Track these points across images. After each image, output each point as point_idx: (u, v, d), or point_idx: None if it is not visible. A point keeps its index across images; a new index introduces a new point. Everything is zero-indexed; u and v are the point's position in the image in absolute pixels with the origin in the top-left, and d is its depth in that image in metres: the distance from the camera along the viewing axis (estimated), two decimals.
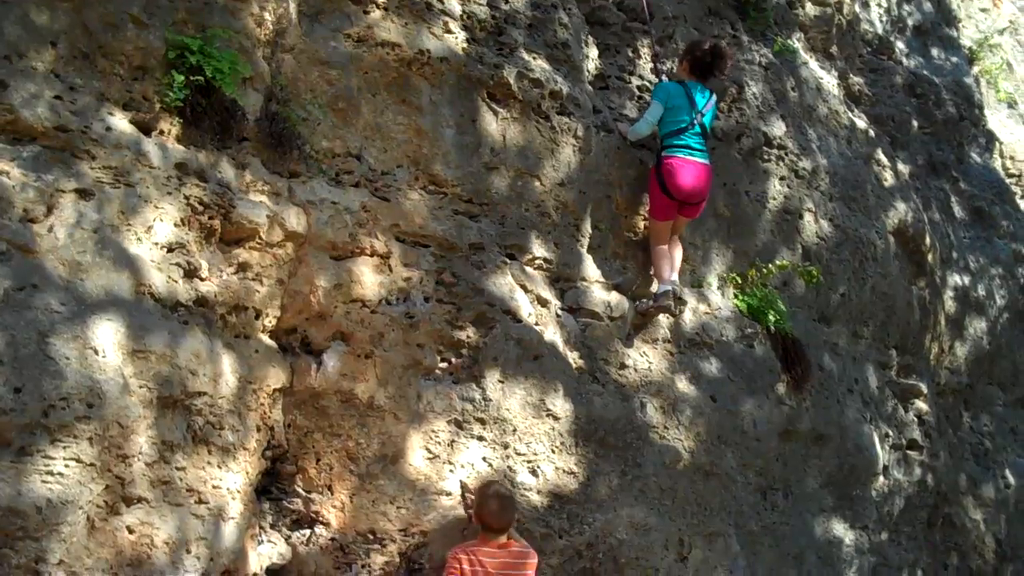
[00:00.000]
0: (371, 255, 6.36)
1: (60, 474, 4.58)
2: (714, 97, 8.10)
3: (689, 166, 7.69)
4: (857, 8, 12.95)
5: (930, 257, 11.37)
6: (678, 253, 8.00)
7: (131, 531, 4.87)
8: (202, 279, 5.49)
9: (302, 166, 6.27)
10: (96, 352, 4.77)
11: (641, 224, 8.05)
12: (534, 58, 7.61)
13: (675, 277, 7.79)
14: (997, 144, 15.70)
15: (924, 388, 10.86)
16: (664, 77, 8.41)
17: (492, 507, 6.01)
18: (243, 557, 5.52)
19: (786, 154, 9.55)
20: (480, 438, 6.47)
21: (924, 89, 13.52)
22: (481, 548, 5.92)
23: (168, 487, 5.07)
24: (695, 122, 7.79)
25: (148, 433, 4.96)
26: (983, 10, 17.84)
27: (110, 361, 4.82)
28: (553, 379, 6.87)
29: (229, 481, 5.43)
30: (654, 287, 7.79)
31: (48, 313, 4.69)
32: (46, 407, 4.55)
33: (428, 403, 6.34)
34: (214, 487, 5.32)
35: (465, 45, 7.20)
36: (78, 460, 4.65)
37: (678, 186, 7.63)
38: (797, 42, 10.99)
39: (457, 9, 7.30)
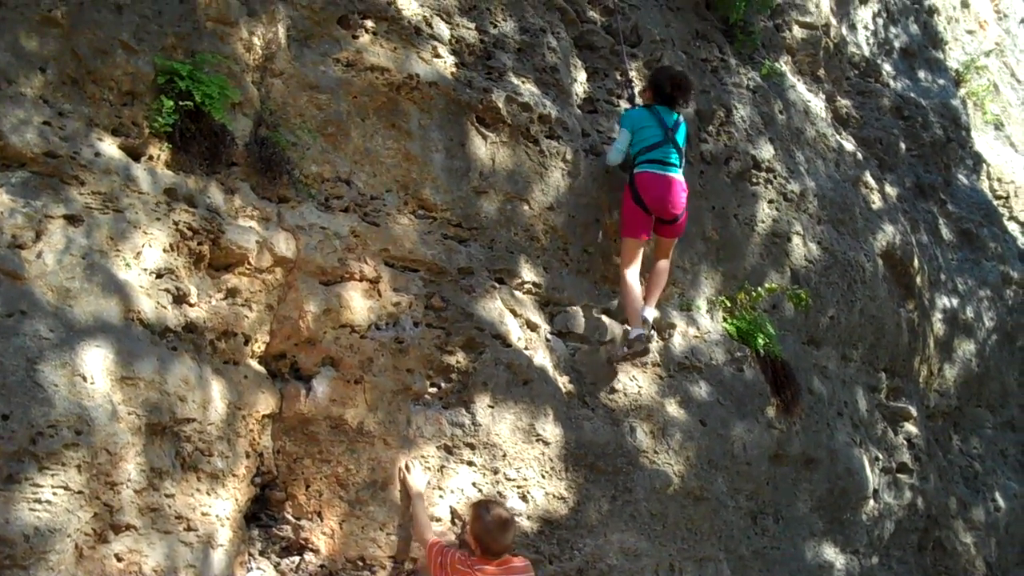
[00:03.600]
0: (360, 280, 6.35)
1: (48, 502, 4.54)
2: (683, 120, 8.08)
3: (661, 179, 7.62)
4: (844, 31, 13.03)
5: (918, 279, 11.41)
6: (661, 279, 7.89)
7: (119, 559, 4.84)
8: (191, 305, 5.47)
9: (291, 191, 6.26)
10: (85, 379, 4.75)
11: None
12: (523, 82, 7.62)
13: (650, 311, 7.63)
14: (984, 166, 15.80)
15: (914, 411, 10.88)
16: (638, 100, 8.41)
17: (491, 528, 5.91)
18: None
19: (774, 177, 9.58)
20: (470, 463, 6.45)
21: (911, 111, 13.61)
22: (479, 564, 5.88)
23: (157, 514, 5.04)
24: (668, 138, 7.75)
25: (137, 460, 4.93)
26: (969, 32, 17.98)
27: (99, 388, 4.80)
28: (543, 404, 6.86)
29: (218, 508, 5.40)
30: (629, 330, 7.51)
31: (37, 339, 4.67)
32: (34, 434, 4.52)
33: (418, 428, 6.32)
34: (203, 514, 5.29)
35: (454, 69, 7.21)
36: (66, 488, 4.62)
37: (650, 196, 7.55)
38: (784, 65, 11.05)
39: (446, 33, 7.32)
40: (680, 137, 7.86)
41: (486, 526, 5.92)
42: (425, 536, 6.01)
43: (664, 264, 7.91)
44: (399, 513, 6.12)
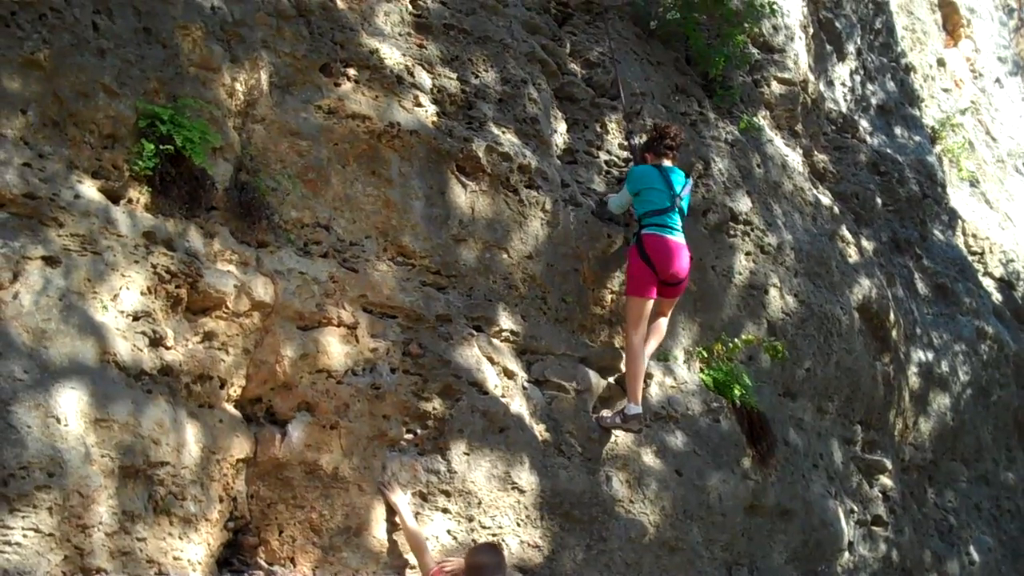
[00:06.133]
0: (338, 326, 6.35)
1: (18, 544, 4.51)
2: (691, 183, 8.16)
3: (672, 244, 7.70)
4: (822, 87, 13.19)
5: (894, 333, 11.47)
6: (660, 334, 7.98)
7: None
8: (167, 348, 5.46)
9: (271, 236, 6.28)
10: (58, 421, 4.73)
11: (608, 297, 8.08)
12: (503, 132, 7.69)
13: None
14: (960, 222, 15.95)
15: (889, 464, 10.91)
16: (635, 144, 8.51)
17: (480, 556, 5.91)
18: None
19: (752, 230, 9.65)
20: (445, 510, 6.44)
21: (888, 167, 13.75)
22: None
23: (128, 558, 5.00)
24: (675, 205, 7.82)
25: (109, 503, 4.90)
26: (945, 90, 18.21)
27: (72, 430, 4.78)
28: (519, 451, 6.86)
29: (190, 552, 5.36)
30: (627, 405, 7.56)
31: (11, 381, 4.65)
32: (6, 476, 4.50)
33: (393, 475, 6.30)
34: (175, 558, 5.26)
35: (435, 118, 7.27)
36: (37, 530, 4.58)
37: (659, 257, 7.62)
38: (763, 120, 11.16)
39: (428, 83, 7.39)
40: (685, 203, 7.95)
41: (474, 554, 5.93)
42: (425, 559, 6.04)
43: (663, 321, 8.01)
44: (373, 560, 6.09)
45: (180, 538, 5.32)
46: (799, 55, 12.00)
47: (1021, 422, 14.88)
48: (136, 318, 5.33)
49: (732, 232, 9.48)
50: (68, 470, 4.70)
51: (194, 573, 5.36)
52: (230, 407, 5.93)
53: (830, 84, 13.92)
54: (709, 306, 9.05)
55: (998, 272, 16.63)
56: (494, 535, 6.57)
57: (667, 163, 8.00)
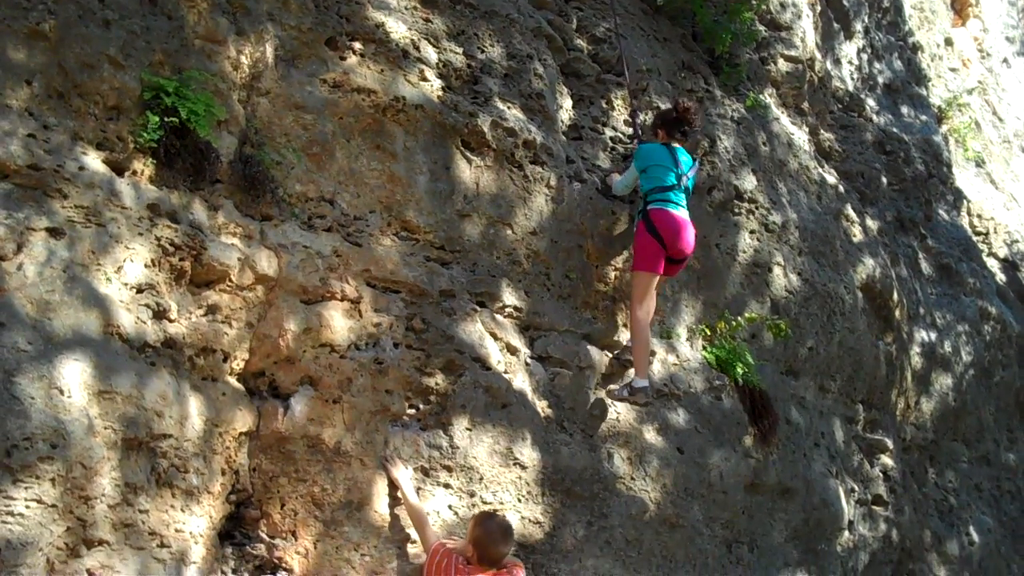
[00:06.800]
0: (341, 300, 6.35)
1: (21, 515, 4.52)
2: (697, 164, 8.15)
3: (679, 219, 7.68)
4: (829, 65, 13.14)
5: (897, 313, 11.46)
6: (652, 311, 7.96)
7: (91, 574, 4.81)
8: (171, 320, 5.46)
9: (275, 209, 6.27)
10: (62, 392, 4.74)
11: (612, 274, 8.07)
12: (509, 107, 7.66)
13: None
14: (965, 202, 15.93)
15: (890, 443, 10.92)
16: (639, 122, 8.49)
17: (492, 534, 5.93)
18: None
19: (756, 208, 9.63)
20: (446, 485, 6.45)
21: (893, 146, 13.72)
22: (476, 572, 5.88)
23: (130, 530, 5.02)
24: (681, 184, 7.81)
25: (112, 475, 4.91)
26: (952, 70, 18.16)
27: (76, 401, 4.78)
28: (521, 427, 6.87)
29: (192, 525, 5.38)
30: (634, 378, 7.50)
31: (15, 352, 4.66)
32: (9, 447, 4.50)
33: (395, 449, 6.31)
34: (177, 531, 5.27)
35: (440, 93, 7.24)
36: (39, 501, 4.60)
37: (667, 232, 7.60)
38: (769, 98, 11.13)
39: (433, 57, 7.36)
40: (690, 184, 7.95)
41: (487, 532, 5.94)
42: (427, 534, 6.06)
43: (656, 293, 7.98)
44: (374, 534, 6.11)
45: (182, 510, 5.34)
46: (806, 33, 11.96)
47: (1023, 403, 14.89)
48: (140, 290, 5.32)
49: (737, 210, 9.46)
50: (71, 441, 4.71)
51: (196, 545, 5.38)
52: (233, 380, 5.93)
53: (837, 62, 13.88)
54: (713, 284, 9.04)
55: (1002, 252, 16.63)
56: (495, 511, 6.58)
57: (676, 143, 8.00)
